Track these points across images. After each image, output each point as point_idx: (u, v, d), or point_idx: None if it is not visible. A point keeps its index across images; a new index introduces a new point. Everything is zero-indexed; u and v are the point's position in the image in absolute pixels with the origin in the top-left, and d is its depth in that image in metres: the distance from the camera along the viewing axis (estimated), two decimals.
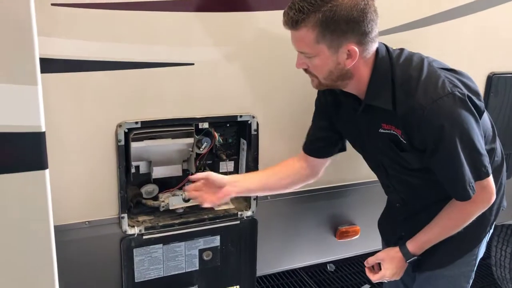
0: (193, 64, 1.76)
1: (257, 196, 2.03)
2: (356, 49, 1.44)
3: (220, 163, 2.02)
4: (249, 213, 2.04)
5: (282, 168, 1.84)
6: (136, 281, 1.91)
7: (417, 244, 1.68)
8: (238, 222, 2.02)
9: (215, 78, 1.83)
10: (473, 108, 1.49)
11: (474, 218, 1.61)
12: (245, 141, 2.00)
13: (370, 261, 1.77)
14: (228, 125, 1.98)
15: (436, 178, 1.57)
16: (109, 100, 1.69)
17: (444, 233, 1.65)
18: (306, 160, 1.83)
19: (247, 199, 2.05)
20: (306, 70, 1.56)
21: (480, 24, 2.23)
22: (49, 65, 1.55)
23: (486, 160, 1.53)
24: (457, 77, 1.54)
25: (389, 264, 1.71)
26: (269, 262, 2.20)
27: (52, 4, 1.52)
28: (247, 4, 1.78)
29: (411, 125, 1.50)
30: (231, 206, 2.07)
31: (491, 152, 1.67)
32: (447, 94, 1.46)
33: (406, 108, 1.49)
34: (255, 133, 1.95)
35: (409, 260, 1.69)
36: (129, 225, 1.85)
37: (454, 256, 1.74)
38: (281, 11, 1.49)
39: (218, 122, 1.92)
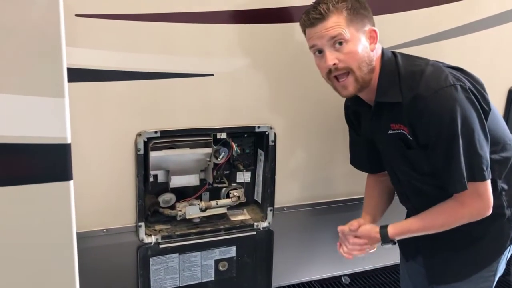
0: (212, 75, 1.78)
1: (273, 207, 2.02)
2: (375, 29, 1.54)
3: (237, 173, 2.02)
4: (265, 224, 2.03)
5: (379, 191, 1.84)
6: None
7: (398, 231, 1.64)
8: (254, 233, 2.02)
9: (234, 89, 1.84)
10: (476, 102, 1.48)
11: (461, 223, 1.56)
12: (262, 152, 2.00)
13: (346, 232, 1.73)
14: (245, 135, 1.98)
15: None
16: (129, 110, 1.71)
17: (428, 228, 1.61)
18: (376, 177, 1.85)
19: (263, 210, 2.05)
20: (336, 70, 1.52)
21: (499, 38, 2.21)
22: (71, 75, 1.56)
23: (485, 162, 1.50)
24: (462, 74, 1.55)
25: (366, 239, 1.70)
26: (285, 274, 2.19)
27: (76, 15, 1.55)
28: (267, 16, 1.79)
29: (415, 117, 1.50)
30: (247, 216, 2.07)
31: (506, 160, 1.64)
32: (449, 86, 1.46)
33: (409, 100, 1.50)
34: (273, 144, 1.95)
35: (383, 244, 1.66)
36: (146, 234, 1.85)
37: (472, 270, 1.71)
38: None
39: (236, 133, 1.93)
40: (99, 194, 1.75)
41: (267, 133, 1.93)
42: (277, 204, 2.03)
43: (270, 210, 2.02)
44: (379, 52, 1.57)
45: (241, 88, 1.85)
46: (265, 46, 1.83)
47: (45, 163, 1.28)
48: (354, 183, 2.09)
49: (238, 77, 1.83)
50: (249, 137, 1.99)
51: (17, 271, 1.35)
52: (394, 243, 1.67)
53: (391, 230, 1.64)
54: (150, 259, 1.88)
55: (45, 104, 1.23)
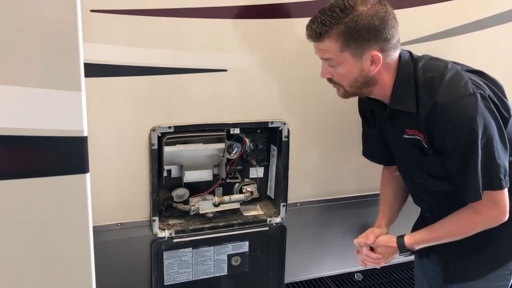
0: (226, 70, 1.78)
1: (286, 203, 2.02)
2: (380, 55, 1.48)
3: (250, 168, 2.03)
4: (278, 219, 2.03)
5: (394, 190, 1.85)
6: (165, 284, 1.92)
7: (415, 241, 1.65)
8: (267, 228, 2.02)
9: (248, 84, 1.84)
10: (496, 112, 1.46)
11: (477, 231, 1.56)
12: (275, 147, 2.00)
13: (362, 244, 1.77)
14: (259, 131, 1.98)
15: None
16: (143, 105, 1.72)
17: (444, 237, 1.61)
18: (390, 171, 1.85)
19: (276, 205, 2.05)
20: (330, 80, 1.59)
21: None
22: (86, 70, 1.58)
23: (502, 171, 1.48)
24: (482, 79, 1.53)
25: (383, 250, 1.72)
26: (297, 270, 2.19)
27: (92, 10, 1.56)
28: (281, 11, 1.79)
29: (433, 125, 1.49)
30: (260, 212, 2.07)
31: None
32: (468, 95, 1.44)
33: (428, 108, 1.48)
34: (286, 139, 1.94)
35: (401, 254, 1.68)
36: (159, 228, 1.86)
37: (488, 269, 1.69)
38: None
39: (249, 128, 1.93)
40: (113, 189, 1.76)
41: (280, 128, 1.93)
42: (290, 200, 2.03)
43: (283, 206, 2.02)
44: (395, 56, 1.53)
45: (255, 83, 1.85)
46: (279, 41, 1.83)
47: (62, 155, 1.29)
48: (367, 179, 2.08)
49: (252, 73, 1.83)
50: (262, 132, 1.99)
51: (34, 263, 1.37)
52: (412, 253, 1.69)
53: (407, 240, 1.66)
54: (164, 253, 1.89)
55: (62, 97, 1.24)
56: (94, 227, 1.70)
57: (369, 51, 1.47)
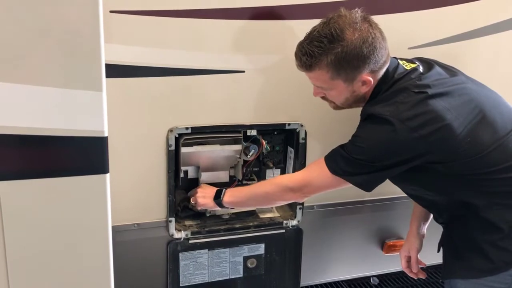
0: (244, 71, 1.77)
1: (303, 205, 2.01)
2: (370, 78, 1.51)
3: (267, 170, 2.01)
4: (294, 222, 2.02)
5: None
6: (181, 285, 1.92)
7: (230, 193, 1.76)
8: (283, 231, 2.01)
9: (265, 86, 1.83)
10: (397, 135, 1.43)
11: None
12: (292, 149, 1.98)
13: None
14: (275, 132, 1.97)
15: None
16: (160, 106, 1.73)
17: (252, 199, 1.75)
18: None
19: (292, 208, 2.04)
20: (323, 98, 1.65)
21: None
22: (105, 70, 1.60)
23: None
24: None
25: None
26: (313, 273, 2.17)
27: (111, 11, 1.57)
28: (299, 12, 1.78)
29: None
30: (276, 214, 2.06)
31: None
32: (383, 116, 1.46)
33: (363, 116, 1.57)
34: (303, 141, 1.93)
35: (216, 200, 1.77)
36: (176, 229, 1.87)
37: (488, 270, 1.60)
38: None
39: (266, 130, 1.92)
40: (130, 189, 1.77)
41: (297, 130, 1.92)
42: (306, 203, 2.01)
43: (300, 208, 2.01)
44: (384, 71, 1.53)
45: (272, 85, 1.84)
46: (297, 42, 1.81)
47: (83, 156, 1.29)
48: (385, 182, 2.05)
49: (269, 74, 1.82)
50: (279, 134, 1.98)
51: (54, 263, 1.37)
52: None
53: (227, 194, 1.78)
54: (180, 254, 1.89)
55: (83, 97, 1.24)
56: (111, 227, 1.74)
57: (360, 75, 1.50)
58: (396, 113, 1.44)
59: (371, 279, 3.25)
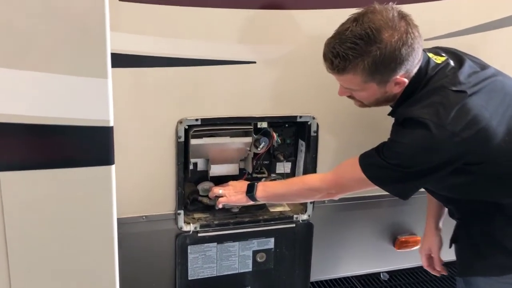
0: (255, 62, 1.74)
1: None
2: (405, 79, 1.43)
3: (277, 164, 1.99)
4: (305, 216, 1.99)
5: None
6: (189, 278, 1.91)
7: (263, 188, 1.74)
8: (294, 225, 1.98)
9: (276, 77, 1.79)
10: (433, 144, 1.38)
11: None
12: (303, 142, 1.95)
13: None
14: (287, 125, 1.94)
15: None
16: (170, 97, 1.70)
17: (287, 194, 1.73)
18: None
19: (303, 202, 2.00)
20: (349, 96, 1.56)
21: None
22: (113, 60, 1.56)
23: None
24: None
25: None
26: (324, 268, 2.14)
27: (120, 0, 1.54)
28: (312, 2, 1.74)
29: None
30: (286, 208, 2.03)
31: None
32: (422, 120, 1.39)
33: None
34: (315, 134, 1.90)
35: (248, 194, 1.75)
36: (185, 222, 1.85)
37: (506, 269, 1.58)
38: (349, 9, 1.44)
39: (277, 122, 1.89)
40: (139, 181, 1.75)
41: (309, 123, 1.88)
42: None
43: (310, 203, 1.98)
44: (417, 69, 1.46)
45: (284, 76, 1.80)
46: (310, 33, 1.77)
47: (87, 146, 1.25)
48: None
49: (281, 65, 1.78)
50: (290, 127, 1.95)
51: (58, 255, 1.35)
52: None
53: (259, 187, 1.77)
54: (188, 247, 1.87)
55: (88, 84, 1.19)
56: (118, 219, 1.69)
57: (395, 77, 1.41)
58: (436, 116, 1.37)
59: (381, 275, 3.22)
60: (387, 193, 2.06)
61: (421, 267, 2.53)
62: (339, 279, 2.46)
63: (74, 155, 1.25)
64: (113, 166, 1.30)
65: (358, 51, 1.35)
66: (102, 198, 1.31)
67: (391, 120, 1.74)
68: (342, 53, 1.37)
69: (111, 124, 1.26)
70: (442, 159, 1.40)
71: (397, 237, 2.19)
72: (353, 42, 1.35)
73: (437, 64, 1.48)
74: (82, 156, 1.26)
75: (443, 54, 1.53)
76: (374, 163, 1.48)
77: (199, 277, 1.92)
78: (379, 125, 1.93)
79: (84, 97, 1.21)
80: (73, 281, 1.38)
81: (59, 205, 1.29)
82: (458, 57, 1.53)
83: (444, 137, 1.35)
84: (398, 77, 1.42)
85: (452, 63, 1.49)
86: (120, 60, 1.58)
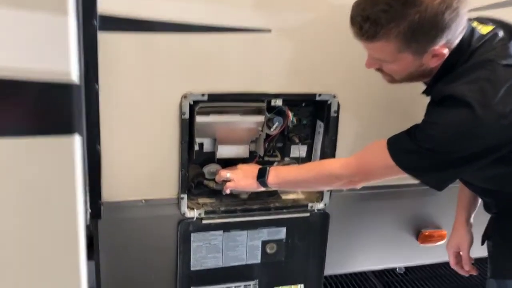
0: (270, 31, 1.57)
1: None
2: (445, 51, 1.27)
3: (292, 146, 1.84)
4: (321, 205, 1.86)
5: None
6: (191, 269, 1.79)
7: (275, 173, 1.63)
8: (308, 214, 1.86)
9: (294, 49, 1.63)
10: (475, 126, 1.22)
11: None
12: (322, 124, 1.79)
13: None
14: (304, 104, 1.79)
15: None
16: (174, 68, 1.55)
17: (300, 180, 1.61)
18: None
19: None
20: (378, 69, 1.39)
21: None
22: (112, 24, 1.43)
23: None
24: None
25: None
26: (339, 262, 2.02)
27: None
28: None
29: None
30: (300, 196, 1.90)
31: None
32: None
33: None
34: (335, 115, 1.74)
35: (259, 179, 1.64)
36: (188, 207, 1.72)
37: None
38: None
39: (293, 100, 1.74)
40: (138, 161, 1.62)
41: (329, 102, 1.72)
42: None
43: (327, 191, 1.84)
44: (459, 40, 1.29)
45: (303, 48, 1.64)
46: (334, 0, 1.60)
47: (40, 109, 0.95)
48: None
49: (300, 35, 1.62)
50: (307, 106, 1.80)
51: (15, 234, 1.13)
52: None
53: (272, 172, 1.65)
54: (192, 235, 1.76)
55: (41, 23, 0.86)
56: (115, 203, 1.61)
57: (434, 47, 1.25)
58: (481, 94, 1.20)
59: (397, 268, 3.12)
60: (411, 182, 1.92)
61: (442, 262, 2.44)
62: (355, 273, 2.35)
63: (21, 121, 0.95)
64: (76, 136, 1.02)
65: (393, 14, 1.19)
66: (61, 176, 1.04)
67: (426, 100, 1.58)
68: (374, 16, 1.20)
69: (74, 79, 0.97)
70: (486, 145, 1.24)
71: (421, 231, 2.07)
72: (387, 4, 1.19)
73: (483, 35, 1.31)
74: (32, 122, 0.96)
75: (490, 24, 1.35)
76: (404, 148, 1.33)
77: (202, 268, 1.81)
78: (410, 107, 1.77)
79: (34, 40, 0.88)
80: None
81: (6, 186, 1.04)
82: (508, 27, 1.35)
83: (490, 120, 1.19)
84: (437, 47, 1.25)
85: (500, 33, 1.31)
86: (121, 24, 1.44)
